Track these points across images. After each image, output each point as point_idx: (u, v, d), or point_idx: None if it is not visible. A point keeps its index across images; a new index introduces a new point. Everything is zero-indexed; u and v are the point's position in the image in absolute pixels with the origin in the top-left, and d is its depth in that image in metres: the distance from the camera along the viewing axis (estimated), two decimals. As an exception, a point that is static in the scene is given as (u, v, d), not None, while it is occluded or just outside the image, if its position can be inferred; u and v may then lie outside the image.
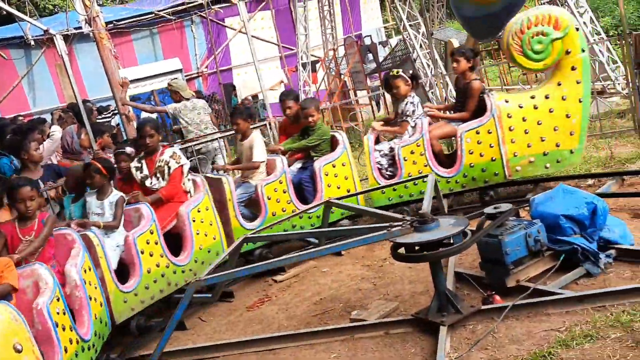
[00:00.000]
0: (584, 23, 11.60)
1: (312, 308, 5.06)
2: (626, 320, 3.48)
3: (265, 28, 19.36)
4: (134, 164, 5.85)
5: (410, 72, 6.81)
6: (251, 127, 6.65)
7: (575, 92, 5.99)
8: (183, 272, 5.45)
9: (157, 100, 14.00)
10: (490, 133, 6.13)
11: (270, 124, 8.87)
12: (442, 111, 6.82)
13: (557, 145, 6.07)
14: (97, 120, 9.83)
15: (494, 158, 6.18)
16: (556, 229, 4.43)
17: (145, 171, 5.78)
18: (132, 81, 9.93)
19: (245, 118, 6.53)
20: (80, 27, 12.49)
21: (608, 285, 4.05)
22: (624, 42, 7.30)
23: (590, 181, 6.51)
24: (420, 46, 12.21)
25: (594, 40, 11.41)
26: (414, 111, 6.50)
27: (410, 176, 6.23)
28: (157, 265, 5.22)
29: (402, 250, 4.11)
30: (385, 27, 22.54)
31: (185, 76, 16.51)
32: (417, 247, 4.03)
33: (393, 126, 6.73)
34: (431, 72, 12.44)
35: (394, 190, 6.35)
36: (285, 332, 4.57)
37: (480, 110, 6.30)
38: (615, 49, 11.82)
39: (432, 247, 3.97)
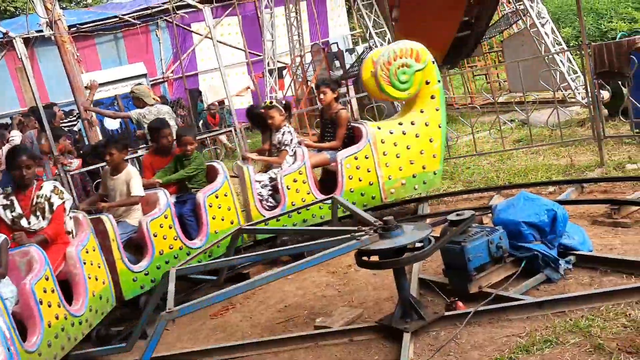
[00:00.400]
0: (545, 33, 11.85)
1: (276, 315, 5.03)
2: (584, 326, 3.55)
3: (233, 34, 19.31)
4: (1, 201, 4.89)
5: (283, 102, 6.83)
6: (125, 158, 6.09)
7: (435, 119, 6.54)
8: (80, 323, 4.64)
9: (120, 106, 13.81)
10: (367, 158, 6.38)
11: (236, 130, 8.82)
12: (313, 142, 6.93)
13: (424, 168, 6.55)
14: (61, 125, 9.66)
15: (371, 182, 6.43)
16: (517, 236, 4.49)
17: (18, 209, 4.85)
18: (95, 85, 9.75)
19: (120, 149, 5.88)
20: (41, 30, 12.25)
21: (567, 291, 4.12)
22: (583, 52, 7.47)
23: (551, 188, 6.63)
24: (386, 54, 12.33)
25: (555, 50, 11.66)
26: (292, 140, 6.50)
27: (294, 205, 6.16)
28: (57, 317, 4.36)
29: (366, 257, 4.12)
30: (352, 35, 22.67)
31: (151, 81, 16.34)
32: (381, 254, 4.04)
33: (270, 156, 6.68)
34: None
35: (277, 220, 6.04)
36: (249, 340, 4.53)
37: (348, 138, 6.62)
38: (575, 59, 12.10)
39: (395, 254, 3.98)
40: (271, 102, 6.66)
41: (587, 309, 3.76)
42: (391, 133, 6.45)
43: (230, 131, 8.74)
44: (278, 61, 15.73)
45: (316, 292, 5.29)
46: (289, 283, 5.66)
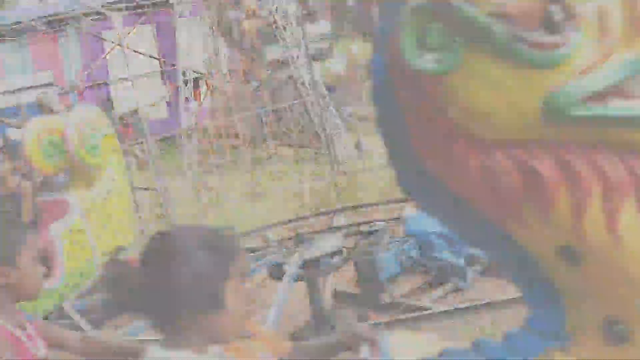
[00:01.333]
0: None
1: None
2: (490, 333, 3.64)
3: (147, 42, 18.86)
4: None
5: None
6: None
7: (125, 185, 6.83)
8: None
9: (25, 115, 13.17)
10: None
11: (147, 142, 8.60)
12: None
13: None
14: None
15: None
16: (428, 246, 4.58)
17: None
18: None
19: None
20: (-63, 34, 11.52)
21: (475, 298, 4.23)
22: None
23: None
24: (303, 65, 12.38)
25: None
26: None
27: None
28: None
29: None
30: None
31: (59, 90, 15.69)
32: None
33: None
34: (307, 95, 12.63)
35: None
36: None
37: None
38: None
39: (305, 266, 3.97)
40: None
41: (493, 315, 3.87)
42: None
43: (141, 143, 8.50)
44: (194, 71, 15.46)
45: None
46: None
